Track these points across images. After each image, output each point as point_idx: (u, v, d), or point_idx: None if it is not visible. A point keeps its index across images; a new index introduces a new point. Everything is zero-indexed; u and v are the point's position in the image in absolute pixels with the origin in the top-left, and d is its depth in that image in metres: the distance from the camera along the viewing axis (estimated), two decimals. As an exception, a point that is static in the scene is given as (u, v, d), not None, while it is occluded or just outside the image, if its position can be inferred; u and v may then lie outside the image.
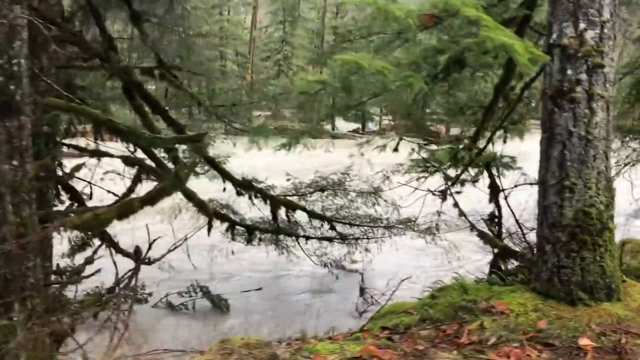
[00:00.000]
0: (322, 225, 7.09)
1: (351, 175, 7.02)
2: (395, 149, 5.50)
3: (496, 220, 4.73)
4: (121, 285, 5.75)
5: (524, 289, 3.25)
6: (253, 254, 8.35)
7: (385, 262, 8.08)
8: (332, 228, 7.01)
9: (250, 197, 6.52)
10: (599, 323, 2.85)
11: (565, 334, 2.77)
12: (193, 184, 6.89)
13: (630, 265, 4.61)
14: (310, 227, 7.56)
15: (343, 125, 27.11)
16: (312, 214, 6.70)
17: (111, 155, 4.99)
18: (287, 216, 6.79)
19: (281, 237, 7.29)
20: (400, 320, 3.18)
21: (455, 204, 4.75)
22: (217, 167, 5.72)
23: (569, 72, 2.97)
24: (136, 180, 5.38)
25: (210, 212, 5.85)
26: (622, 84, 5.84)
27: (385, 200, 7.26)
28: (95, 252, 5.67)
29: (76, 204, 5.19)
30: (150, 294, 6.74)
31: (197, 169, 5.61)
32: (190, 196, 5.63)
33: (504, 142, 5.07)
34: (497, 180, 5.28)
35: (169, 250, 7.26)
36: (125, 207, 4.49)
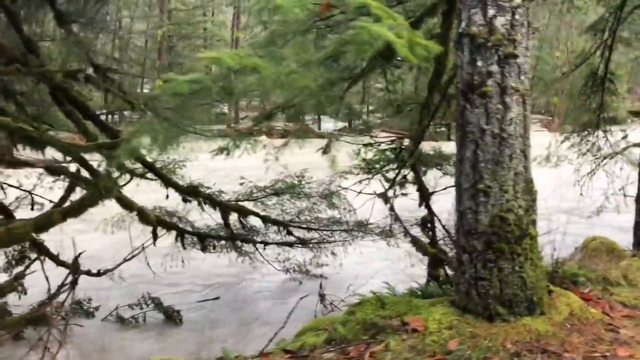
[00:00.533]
0: (279, 230, 6.81)
1: (307, 178, 6.72)
2: (324, 151, 5.20)
3: (429, 225, 4.46)
4: (57, 300, 5.47)
5: (445, 302, 2.97)
6: (214, 261, 8.08)
7: (351, 265, 7.82)
8: (289, 233, 6.72)
9: (199, 204, 6.23)
10: (516, 341, 2.57)
11: (476, 355, 2.49)
12: (148, 190, 6.62)
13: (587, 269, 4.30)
14: (273, 232, 7.29)
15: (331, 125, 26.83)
16: (265, 219, 6.42)
17: (32, 165, 4.70)
18: (241, 222, 6.49)
19: (239, 243, 7.00)
20: (306, 340, 2.89)
21: (391, 208, 4.47)
22: (157, 173, 5.42)
23: (479, 63, 2.68)
24: (69, 190, 5.09)
25: (152, 220, 5.56)
26: (578, 76, 5.57)
27: (346, 201, 6.98)
28: (27, 266, 5.38)
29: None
30: (96, 308, 6.46)
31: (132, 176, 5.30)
32: (127, 204, 5.35)
33: (448, 139, 4.79)
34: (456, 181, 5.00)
35: (125, 260, 7.00)
36: (43, 220, 4.20)
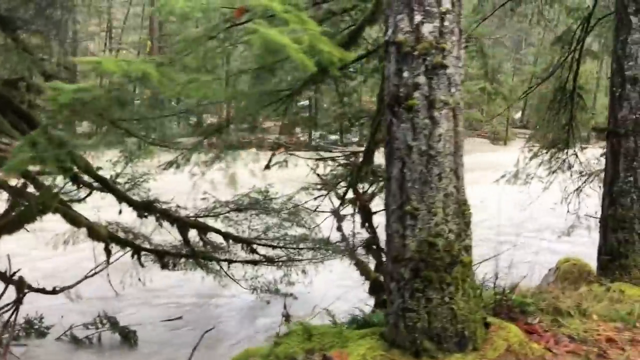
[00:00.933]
0: (242, 247, 6.55)
1: (271, 194, 6.48)
2: (267, 167, 4.97)
3: (374, 246, 4.21)
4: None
5: (376, 335, 2.71)
6: (183, 279, 7.82)
7: (322, 284, 7.54)
8: (253, 251, 6.46)
9: (157, 220, 5.98)
10: (441, 381, 2.32)
11: (395, 396, 2.23)
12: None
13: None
14: (240, 250, 7.03)
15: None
16: (227, 236, 6.16)
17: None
18: (202, 239, 6.24)
19: (203, 261, 6.74)
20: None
21: (339, 228, 4.23)
22: (109, 187, 5.17)
23: (406, 74, 2.45)
24: (13, 206, 4.83)
25: (103, 236, 5.30)
26: (546, 90, 5.35)
27: (311, 219, 6.72)
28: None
29: None
30: (48, 328, 6.18)
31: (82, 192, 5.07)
32: (74, 220, 5.09)
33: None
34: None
35: (86, 277, 6.71)
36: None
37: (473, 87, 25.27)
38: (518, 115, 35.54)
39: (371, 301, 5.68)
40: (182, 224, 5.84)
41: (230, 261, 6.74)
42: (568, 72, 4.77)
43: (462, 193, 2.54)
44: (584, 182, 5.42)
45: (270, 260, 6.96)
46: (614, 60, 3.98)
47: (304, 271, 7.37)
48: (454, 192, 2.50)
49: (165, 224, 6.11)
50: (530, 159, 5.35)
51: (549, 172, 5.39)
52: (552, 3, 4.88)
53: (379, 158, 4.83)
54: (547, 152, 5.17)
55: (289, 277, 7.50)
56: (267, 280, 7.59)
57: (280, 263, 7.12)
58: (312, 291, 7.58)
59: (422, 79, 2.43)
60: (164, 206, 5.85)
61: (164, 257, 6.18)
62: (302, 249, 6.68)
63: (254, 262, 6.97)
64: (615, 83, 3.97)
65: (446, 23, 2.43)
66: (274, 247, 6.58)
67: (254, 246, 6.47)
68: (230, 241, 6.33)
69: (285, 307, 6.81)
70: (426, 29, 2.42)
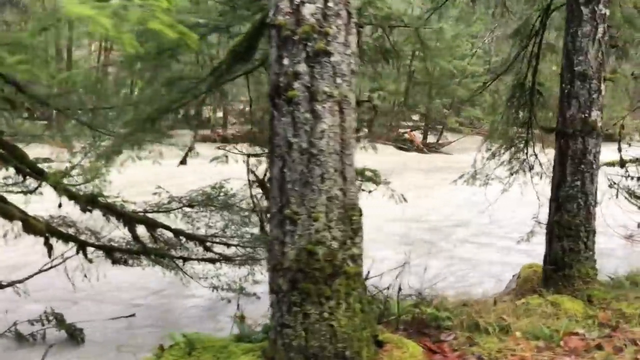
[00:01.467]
0: (195, 245, 6.30)
1: (226, 190, 6.21)
2: (182, 162, 4.70)
3: None
4: None
5: (258, 351, 2.45)
6: (143, 275, 7.58)
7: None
8: (207, 249, 6.21)
9: (104, 214, 5.73)
10: (310, 409, 2.05)
11: None
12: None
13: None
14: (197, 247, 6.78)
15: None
16: (177, 233, 5.91)
17: None
18: (152, 235, 5.99)
19: (157, 257, 6.49)
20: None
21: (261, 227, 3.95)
22: (47, 180, 4.93)
23: (286, 61, 2.18)
24: None
25: (40, 230, 5.06)
26: (505, 86, 5.06)
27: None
28: None
29: None
30: (-11, 324, 5.95)
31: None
32: (7, 214, 4.85)
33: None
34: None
35: (40, 271, 6.50)
36: None
37: (472, 85, 24.98)
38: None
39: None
40: (128, 220, 5.59)
41: (184, 259, 6.48)
42: (527, 67, 4.47)
43: (350, 196, 2.27)
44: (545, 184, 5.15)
45: (227, 259, 6.70)
46: (564, 54, 3.69)
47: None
48: (339, 195, 2.23)
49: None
50: (488, 159, 5.06)
51: (510, 173, 5.12)
52: (514, -7, 4.59)
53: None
54: (505, 152, 4.89)
55: (253, 276, 7.25)
56: (231, 279, 7.34)
57: (239, 261, 6.87)
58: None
59: (302, 67, 2.16)
60: (111, 200, 5.60)
61: (113, 253, 5.93)
62: (258, 247, 6.42)
63: (211, 260, 6.71)
64: (564, 79, 3.68)
65: (330, 4, 2.15)
66: (228, 245, 6.32)
67: (209, 244, 6.20)
68: (183, 238, 6.07)
69: (238, 307, 6.56)
70: (307, 10, 2.14)
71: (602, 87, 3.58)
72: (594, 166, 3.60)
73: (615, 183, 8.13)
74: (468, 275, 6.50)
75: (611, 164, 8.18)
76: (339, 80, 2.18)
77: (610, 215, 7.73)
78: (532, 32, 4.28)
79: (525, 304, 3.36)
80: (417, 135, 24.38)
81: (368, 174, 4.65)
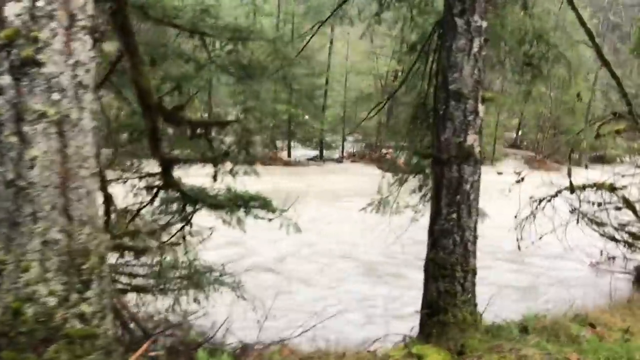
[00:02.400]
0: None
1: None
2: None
3: None
4: None
5: None
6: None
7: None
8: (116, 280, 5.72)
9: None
10: None
11: None
12: None
13: None
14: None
15: (303, 152, 25.87)
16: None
17: None
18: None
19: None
20: None
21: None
22: None
23: None
24: None
25: None
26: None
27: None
28: None
29: None
30: None
31: None
32: None
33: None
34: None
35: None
36: None
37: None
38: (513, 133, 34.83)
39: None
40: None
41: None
42: (427, 86, 4.07)
43: (79, 240, 1.83)
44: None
45: (140, 290, 6.21)
46: (440, 71, 3.28)
47: (196, 300, 6.62)
48: (61, 239, 1.79)
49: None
50: (393, 184, 4.62)
51: (422, 200, 4.68)
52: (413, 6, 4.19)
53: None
54: (412, 177, 4.46)
55: (179, 306, 6.75)
56: (157, 309, 6.84)
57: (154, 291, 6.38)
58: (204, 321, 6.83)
59: (6, 80, 1.74)
60: None
61: None
62: (172, 278, 5.93)
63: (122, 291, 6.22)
64: (439, 99, 3.26)
65: (40, 3, 1.74)
66: (133, 276, 5.84)
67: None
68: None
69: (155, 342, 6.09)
70: (12, 9, 1.73)
71: (480, 108, 3.16)
72: (471, 197, 3.16)
73: (575, 209, 7.71)
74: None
75: (572, 189, 7.78)
76: (56, 96, 1.76)
77: (573, 239, 7.32)
78: (429, 47, 3.90)
79: (385, 357, 2.90)
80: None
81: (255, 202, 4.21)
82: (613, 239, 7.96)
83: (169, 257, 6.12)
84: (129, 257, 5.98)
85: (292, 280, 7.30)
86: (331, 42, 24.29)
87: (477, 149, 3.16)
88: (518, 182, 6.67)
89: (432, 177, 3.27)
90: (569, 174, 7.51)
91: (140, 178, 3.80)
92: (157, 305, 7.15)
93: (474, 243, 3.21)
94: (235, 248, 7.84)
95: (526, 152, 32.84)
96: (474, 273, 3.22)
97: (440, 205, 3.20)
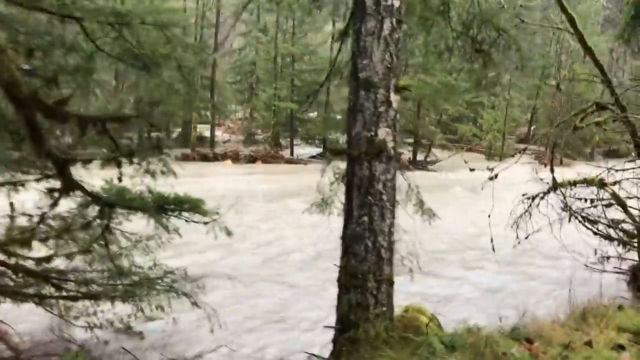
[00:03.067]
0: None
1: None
2: None
3: None
4: None
5: None
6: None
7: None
8: (57, 286, 5.49)
9: None
10: None
11: None
12: None
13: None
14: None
15: (305, 150, 25.59)
16: (15, 268, 5.21)
17: None
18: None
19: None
20: None
21: None
22: None
23: None
24: None
25: None
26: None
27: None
28: None
29: None
30: None
31: None
32: None
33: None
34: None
35: None
36: None
37: (468, 99, 24.11)
38: (525, 129, 34.12)
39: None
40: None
41: (40, 296, 5.77)
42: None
43: None
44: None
45: (91, 297, 5.97)
46: (351, 57, 2.94)
47: (160, 307, 6.37)
48: None
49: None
50: (334, 182, 4.25)
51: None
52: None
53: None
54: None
55: (137, 313, 6.51)
56: (118, 316, 6.60)
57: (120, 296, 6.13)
58: (167, 330, 6.58)
59: None
60: None
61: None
62: (114, 285, 5.68)
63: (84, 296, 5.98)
64: (351, 89, 2.92)
65: None
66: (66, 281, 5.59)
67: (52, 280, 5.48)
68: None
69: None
70: None
71: (393, 97, 2.81)
72: (384, 197, 2.82)
73: (567, 206, 7.28)
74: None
75: (563, 185, 7.37)
76: None
77: (573, 237, 6.90)
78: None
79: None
80: (403, 153, 23.56)
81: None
82: (607, 237, 7.50)
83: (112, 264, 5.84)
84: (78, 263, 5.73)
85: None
86: (332, 37, 23.92)
87: (390, 144, 2.82)
88: (491, 179, 6.26)
89: (346, 175, 2.94)
90: (552, 170, 7.08)
91: (38, 180, 3.52)
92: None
93: (389, 249, 2.86)
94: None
95: (539, 148, 32.08)
96: (390, 283, 2.88)
97: (351, 206, 2.86)
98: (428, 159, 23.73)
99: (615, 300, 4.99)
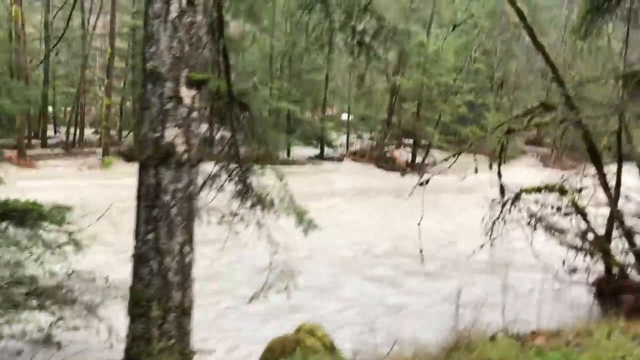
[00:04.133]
0: None
1: None
2: None
3: None
4: None
5: None
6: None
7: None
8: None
9: None
10: None
11: None
12: None
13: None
14: None
15: (304, 151, 25.05)
16: None
17: None
18: None
19: None
20: None
21: None
22: None
23: None
24: None
25: None
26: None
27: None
28: None
29: None
30: None
31: None
32: None
33: None
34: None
35: None
36: None
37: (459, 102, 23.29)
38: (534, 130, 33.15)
39: None
40: None
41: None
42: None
43: None
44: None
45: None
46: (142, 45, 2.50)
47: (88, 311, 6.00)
48: None
49: None
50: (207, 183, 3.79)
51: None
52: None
53: None
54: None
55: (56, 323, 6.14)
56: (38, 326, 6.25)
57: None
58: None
59: None
60: None
61: None
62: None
63: None
64: (142, 82, 2.48)
65: None
66: None
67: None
68: None
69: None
70: None
71: (185, 92, 2.36)
72: (174, 211, 2.37)
73: (532, 215, 6.73)
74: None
75: (529, 191, 6.81)
76: None
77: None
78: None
79: None
80: (401, 154, 22.97)
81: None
82: (575, 247, 6.90)
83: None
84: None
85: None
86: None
87: (181, 148, 2.37)
88: (421, 184, 5.75)
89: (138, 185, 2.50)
90: (499, 175, 6.54)
91: None
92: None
93: (182, 272, 2.42)
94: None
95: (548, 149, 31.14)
96: (184, 312, 2.43)
97: (139, 221, 2.42)
98: (426, 161, 23.11)
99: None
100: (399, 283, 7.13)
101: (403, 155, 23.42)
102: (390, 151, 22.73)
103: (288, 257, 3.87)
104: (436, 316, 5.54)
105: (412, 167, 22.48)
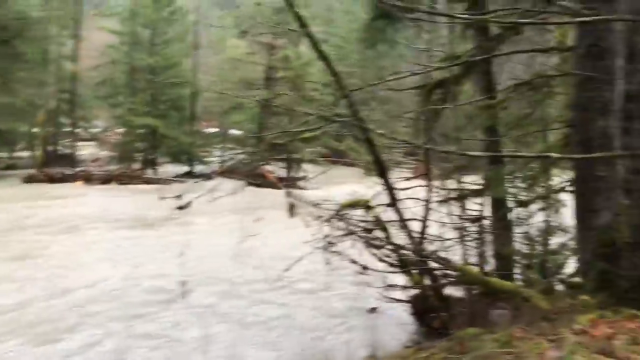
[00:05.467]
0: None
1: None
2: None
3: None
4: None
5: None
6: None
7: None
8: None
9: None
10: None
11: None
12: None
13: None
14: None
15: (172, 169, 23.64)
16: None
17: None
18: None
19: None
20: None
21: None
22: None
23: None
24: None
25: None
26: None
27: None
28: None
29: None
30: None
31: None
32: None
33: None
34: None
35: None
36: None
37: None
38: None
39: None
40: None
41: None
42: None
43: None
44: None
45: None
46: None
47: None
48: None
49: None
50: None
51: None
52: None
53: None
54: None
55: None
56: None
57: None
58: None
59: None
60: None
61: None
62: None
63: None
64: None
65: None
66: None
67: None
68: None
69: None
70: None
71: None
72: None
73: (348, 229, 6.29)
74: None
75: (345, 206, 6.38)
76: None
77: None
78: None
79: None
80: (271, 170, 22.52)
81: None
82: (391, 264, 6.59)
83: None
84: None
85: None
86: (195, 48, 22.54)
87: None
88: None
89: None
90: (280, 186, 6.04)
91: None
92: None
93: None
94: None
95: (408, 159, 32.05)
96: None
97: None
98: (297, 176, 22.89)
99: None
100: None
101: (271, 171, 22.94)
102: (260, 167, 22.17)
103: None
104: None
105: (286, 182, 22.09)
